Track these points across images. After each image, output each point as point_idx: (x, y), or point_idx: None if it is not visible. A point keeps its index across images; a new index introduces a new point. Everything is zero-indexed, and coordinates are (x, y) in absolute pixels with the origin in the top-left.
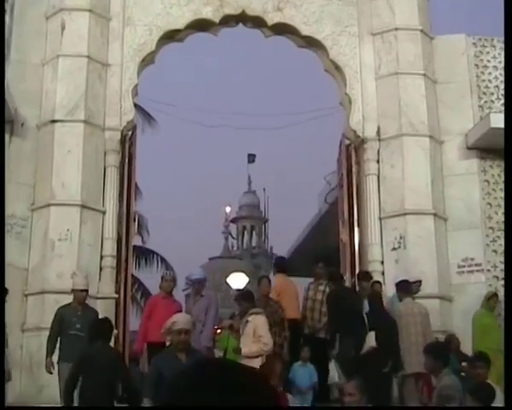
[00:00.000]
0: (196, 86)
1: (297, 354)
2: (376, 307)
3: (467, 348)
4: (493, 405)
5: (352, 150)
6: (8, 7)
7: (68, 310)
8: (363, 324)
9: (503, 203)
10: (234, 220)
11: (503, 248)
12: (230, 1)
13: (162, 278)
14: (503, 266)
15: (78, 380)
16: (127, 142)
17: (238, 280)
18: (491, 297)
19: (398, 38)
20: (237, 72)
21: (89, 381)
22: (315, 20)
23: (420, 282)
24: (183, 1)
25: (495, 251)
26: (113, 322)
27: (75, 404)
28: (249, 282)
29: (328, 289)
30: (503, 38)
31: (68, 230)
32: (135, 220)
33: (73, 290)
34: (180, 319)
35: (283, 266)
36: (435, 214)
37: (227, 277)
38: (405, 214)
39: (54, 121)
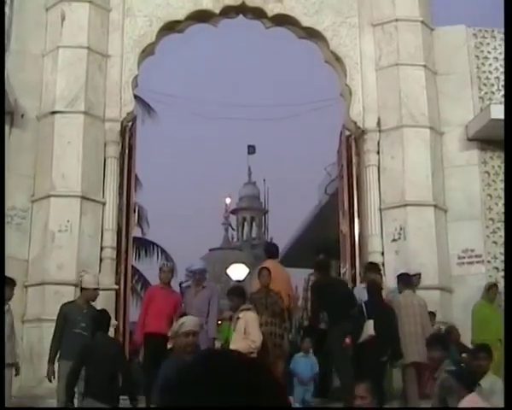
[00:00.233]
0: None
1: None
2: (375, 296)
3: (467, 339)
4: (493, 398)
5: (352, 141)
6: None
7: (73, 308)
8: (350, 312)
9: (503, 194)
10: (234, 211)
11: (503, 239)
12: None
13: (160, 269)
14: (503, 258)
15: (80, 373)
16: (127, 133)
17: (238, 271)
18: (491, 288)
19: (398, 29)
20: (237, 63)
21: (92, 371)
22: (315, 11)
23: (420, 275)
24: None
25: (495, 242)
26: (114, 313)
27: (81, 395)
28: (249, 273)
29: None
30: (503, 30)
31: (68, 221)
32: (135, 212)
33: (84, 289)
34: (188, 321)
35: (274, 251)
36: (435, 206)
37: (227, 268)
38: (405, 206)
39: (54, 112)
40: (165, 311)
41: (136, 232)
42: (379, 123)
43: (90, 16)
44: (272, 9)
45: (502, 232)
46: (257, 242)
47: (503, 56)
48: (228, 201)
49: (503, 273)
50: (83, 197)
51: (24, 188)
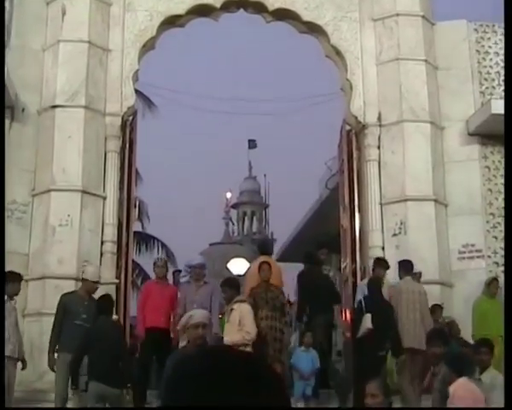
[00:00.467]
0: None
1: None
2: (374, 292)
3: (467, 334)
4: (494, 392)
5: (352, 136)
6: None
7: (74, 298)
8: (330, 305)
9: (503, 189)
10: (234, 206)
11: (503, 234)
12: None
13: (154, 263)
14: (503, 252)
15: (83, 356)
16: (128, 127)
17: (239, 266)
18: (491, 282)
19: (399, 23)
20: (238, 57)
21: (95, 354)
22: (316, 5)
23: (420, 273)
24: None
25: (495, 237)
26: (114, 307)
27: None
28: (250, 268)
29: (330, 273)
30: (503, 25)
31: (69, 215)
32: (135, 206)
33: (85, 280)
34: (197, 314)
35: (268, 248)
36: (436, 200)
37: (228, 262)
38: (406, 200)
39: (54, 107)
40: (161, 305)
41: (136, 227)
42: (379, 118)
43: (90, 10)
44: (273, 4)
45: (502, 227)
46: (257, 236)
47: (503, 51)
48: (228, 195)
49: (503, 268)
50: (83, 191)
51: (24, 182)
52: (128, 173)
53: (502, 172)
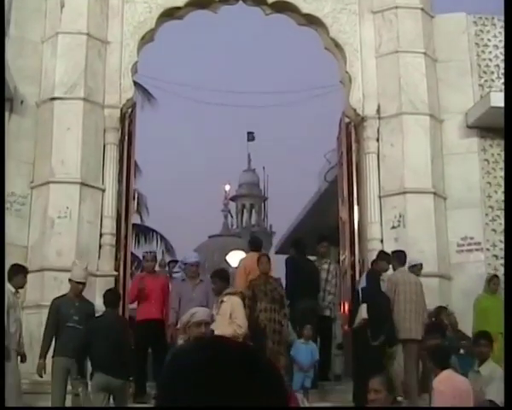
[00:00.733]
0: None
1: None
2: (372, 283)
3: (466, 326)
4: (492, 384)
5: (351, 128)
6: None
7: (65, 301)
8: (317, 292)
9: (502, 182)
10: (233, 198)
11: (502, 227)
12: None
13: (143, 257)
14: (502, 245)
15: (89, 347)
16: (127, 119)
17: (237, 258)
18: (491, 279)
19: (398, 16)
20: (237, 50)
21: (99, 345)
22: None
23: (421, 265)
24: None
25: (494, 230)
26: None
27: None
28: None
29: (331, 267)
30: (503, 17)
31: (68, 207)
32: (134, 198)
33: (70, 281)
34: (199, 312)
35: (258, 244)
36: (435, 193)
37: (226, 255)
38: (405, 193)
39: (53, 99)
40: (153, 296)
41: (134, 219)
42: (378, 110)
43: (89, 2)
44: None
45: (501, 220)
46: (256, 229)
47: (503, 44)
48: (227, 188)
49: (502, 261)
50: (82, 184)
51: (23, 174)
52: (127, 166)
53: (501, 165)
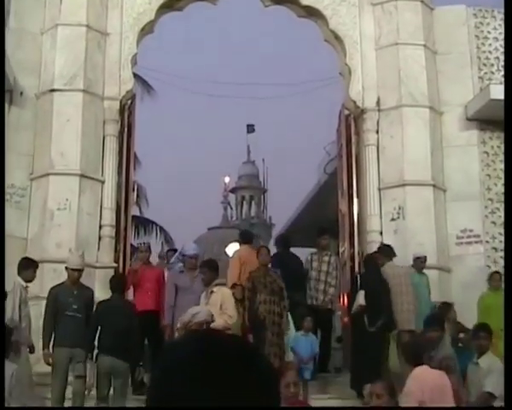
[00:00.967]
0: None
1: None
2: (369, 269)
3: (465, 319)
4: (490, 377)
5: (351, 121)
6: None
7: (63, 289)
8: (302, 285)
9: (502, 175)
10: (233, 190)
11: (501, 219)
12: None
13: (137, 249)
14: (501, 238)
15: (97, 329)
16: (126, 111)
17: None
18: (492, 275)
19: (398, 8)
20: (237, 41)
21: (106, 328)
22: None
23: (425, 258)
24: None
25: (494, 222)
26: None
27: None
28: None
29: (332, 259)
30: (503, 10)
31: (67, 199)
32: (134, 190)
33: (66, 269)
34: (201, 312)
35: (249, 237)
36: (434, 185)
37: (226, 247)
38: (404, 185)
39: (53, 90)
40: (148, 288)
41: (134, 211)
42: (378, 102)
43: None
44: None
45: (500, 213)
46: (255, 221)
47: (503, 36)
48: (227, 180)
49: (501, 254)
50: (82, 175)
51: (23, 166)
52: (126, 157)
53: (500, 157)
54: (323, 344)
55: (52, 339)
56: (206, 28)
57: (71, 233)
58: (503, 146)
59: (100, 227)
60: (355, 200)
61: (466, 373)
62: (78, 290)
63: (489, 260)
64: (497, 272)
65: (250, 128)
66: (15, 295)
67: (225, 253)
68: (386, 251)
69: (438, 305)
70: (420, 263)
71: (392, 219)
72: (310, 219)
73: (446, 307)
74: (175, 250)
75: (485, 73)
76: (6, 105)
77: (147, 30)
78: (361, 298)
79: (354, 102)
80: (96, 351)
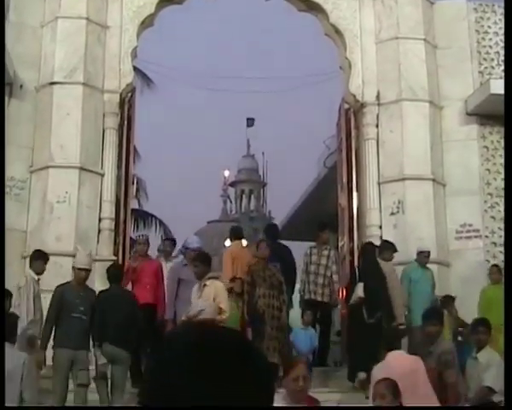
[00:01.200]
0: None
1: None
2: (367, 261)
3: (464, 313)
4: (489, 370)
5: (351, 115)
6: None
7: (69, 289)
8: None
9: (501, 169)
10: (232, 184)
11: (501, 214)
12: None
13: (135, 241)
14: (501, 233)
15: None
16: (126, 104)
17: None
18: (490, 269)
19: (398, 2)
20: (237, 35)
21: (108, 318)
22: None
23: (428, 252)
24: None
25: (493, 217)
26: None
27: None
28: (247, 245)
29: (331, 253)
30: (503, 4)
31: (67, 192)
32: (133, 183)
33: (73, 268)
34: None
35: (240, 234)
36: (434, 180)
37: (225, 240)
38: (404, 179)
39: (52, 83)
40: (147, 281)
41: (133, 204)
42: (378, 96)
43: None
44: None
45: (500, 207)
46: (255, 214)
47: (503, 31)
48: (226, 173)
49: (500, 248)
50: (81, 168)
51: (22, 159)
52: (126, 150)
53: (500, 152)
54: (322, 338)
55: (50, 339)
56: (206, 22)
57: (70, 226)
58: (502, 141)
59: (99, 220)
60: (354, 194)
61: (465, 368)
62: (84, 292)
63: (488, 255)
64: (495, 265)
65: (250, 122)
66: (29, 290)
67: (225, 246)
68: (387, 247)
69: (440, 299)
70: (423, 257)
71: (392, 214)
72: (309, 212)
73: (448, 300)
74: (172, 240)
75: (486, 67)
76: (6, 98)
77: (147, 23)
78: (360, 290)
79: (354, 96)
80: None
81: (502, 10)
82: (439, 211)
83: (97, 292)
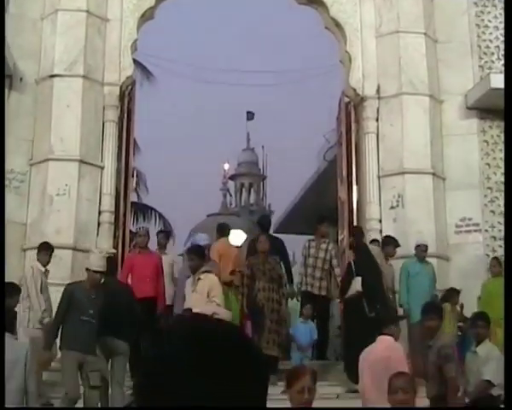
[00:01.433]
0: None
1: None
2: (363, 255)
3: (464, 307)
4: (489, 364)
5: (351, 108)
6: None
7: (80, 291)
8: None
9: (501, 164)
10: (232, 177)
11: (500, 208)
12: None
13: (136, 233)
14: (500, 227)
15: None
16: (126, 97)
17: (236, 237)
18: (491, 262)
19: None
20: (237, 28)
21: (106, 311)
22: None
23: (425, 246)
24: None
25: (493, 211)
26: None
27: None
28: (247, 239)
29: (330, 246)
30: None
31: (67, 185)
32: (133, 176)
33: (87, 270)
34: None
35: (225, 231)
36: (434, 174)
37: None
38: (404, 173)
39: (53, 76)
40: (146, 275)
41: (132, 197)
42: (378, 90)
43: None
44: None
45: (500, 201)
46: (255, 208)
47: (503, 25)
48: (226, 166)
49: (500, 242)
50: (81, 161)
51: (22, 151)
52: (126, 143)
53: (500, 146)
54: (320, 332)
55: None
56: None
57: (70, 219)
58: (502, 135)
59: (99, 213)
60: (354, 188)
61: (464, 362)
62: (95, 295)
63: (488, 249)
64: (495, 258)
65: (250, 115)
66: (36, 282)
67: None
68: (390, 242)
69: (444, 292)
70: (421, 251)
71: (392, 208)
72: (309, 206)
73: (452, 293)
74: (166, 232)
75: (486, 61)
76: (6, 90)
77: (147, 16)
78: (358, 284)
79: (354, 90)
80: None
81: (502, 4)
82: (439, 205)
83: None
